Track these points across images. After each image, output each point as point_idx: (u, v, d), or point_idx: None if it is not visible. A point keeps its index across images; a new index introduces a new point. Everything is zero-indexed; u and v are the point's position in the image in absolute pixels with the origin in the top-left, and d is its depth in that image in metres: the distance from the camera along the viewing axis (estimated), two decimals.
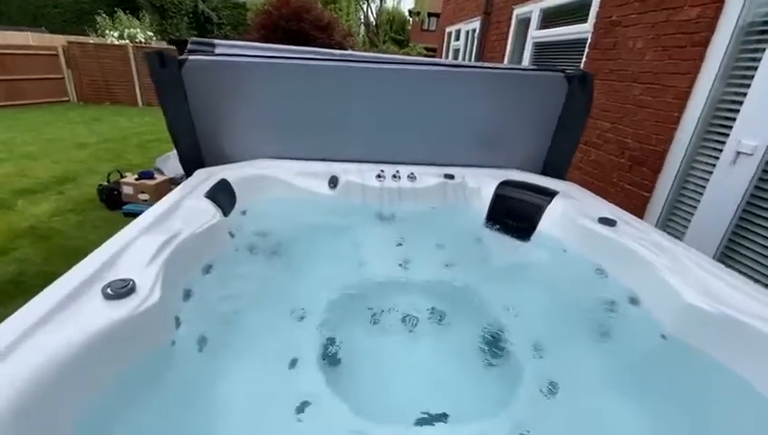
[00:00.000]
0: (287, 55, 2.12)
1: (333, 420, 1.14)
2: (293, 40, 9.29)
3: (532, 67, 2.33)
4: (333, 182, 2.17)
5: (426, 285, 1.80)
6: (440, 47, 8.24)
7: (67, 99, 10.11)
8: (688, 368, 1.19)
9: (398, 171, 2.18)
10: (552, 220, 1.96)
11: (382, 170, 2.17)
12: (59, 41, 10.04)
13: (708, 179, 2.23)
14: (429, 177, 2.22)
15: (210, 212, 1.57)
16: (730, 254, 2.13)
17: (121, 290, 0.99)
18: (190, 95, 2.05)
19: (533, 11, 4.30)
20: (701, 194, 2.28)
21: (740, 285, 1.25)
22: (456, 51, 7.18)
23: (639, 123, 2.70)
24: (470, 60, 6.27)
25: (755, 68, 2.00)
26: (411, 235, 2.07)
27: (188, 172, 2.10)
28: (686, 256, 1.45)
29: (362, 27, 22.28)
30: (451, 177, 2.23)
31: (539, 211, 2.01)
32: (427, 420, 1.19)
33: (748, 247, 2.04)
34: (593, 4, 3.24)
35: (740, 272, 1.42)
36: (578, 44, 3.49)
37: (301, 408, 1.15)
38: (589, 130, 3.04)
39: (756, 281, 1.45)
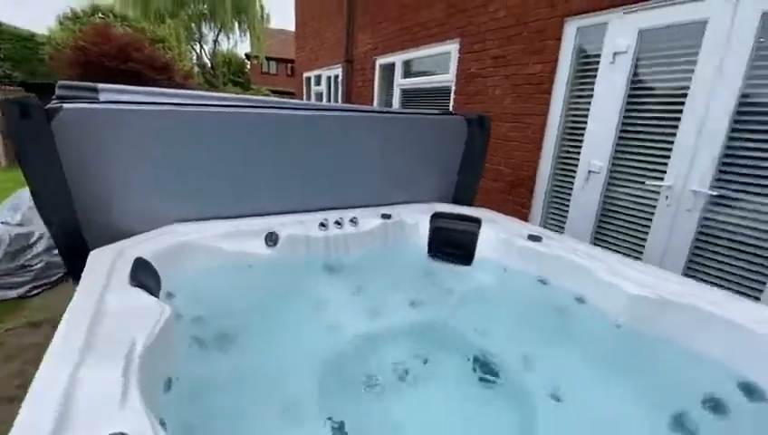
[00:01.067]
0: (193, 102, 1.85)
1: None
2: (126, 81, 8.05)
3: (437, 112, 2.61)
4: (272, 239, 1.95)
5: (398, 329, 1.77)
6: (300, 91, 8.39)
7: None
8: (647, 345, 1.48)
9: (341, 218, 2.10)
10: (487, 244, 2.18)
11: (326, 219, 2.06)
12: None
13: (571, 193, 2.87)
14: (370, 219, 2.21)
15: (156, 307, 1.20)
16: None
17: None
18: (64, 155, 1.57)
19: (396, 61, 4.84)
20: (568, 206, 2.90)
21: (655, 272, 1.64)
22: (320, 94, 7.43)
23: (510, 154, 3.29)
24: (336, 102, 6.57)
25: (588, 106, 2.72)
26: (366, 281, 2.01)
27: (70, 258, 1.58)
28: (603, 255, 1.82)
29: (195, 68, 20.91)
30: (388, 216, 2.27)
31: (473, 237, 2.22)
32: None
33: (609, 242, 2.69)
34: (452, 58, 3.87)
35: None
36: (444, 91, 4.09)
37: None
38: None
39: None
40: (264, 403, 1.28)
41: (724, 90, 2.05)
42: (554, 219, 3.07)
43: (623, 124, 2.54)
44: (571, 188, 2.87)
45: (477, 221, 2.28)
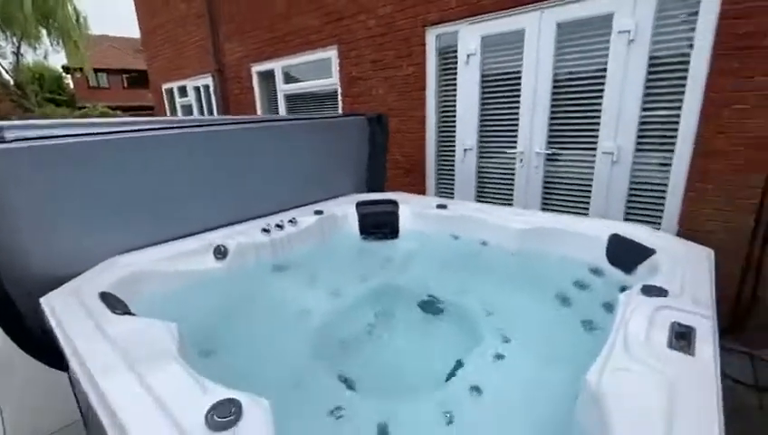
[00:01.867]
0: (109, 130, 1.81)
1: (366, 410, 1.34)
2: None
3: (341, 114, 2.94)
4: (221, 252, 2.04)
5: (357, 299, 2.09)
6: (160, 104, 7.65)
7: None
8: (533, 260, 2.11)
9: (281, 220, 2.29)
10: (406, 218, 2.64)
11: (268, 223, 2.22)
12: None
13: (454, 169, 3.54)
14: (306, 217, 2.44)
15: (160, 323, 1.27)
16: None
17: None
18: None
19: (275, 68, 4.95)
20: (453, 179, 3.57)
21: (523, 211, 2.31)
22: (188, 107, 6.94)
23: (402, 145, 3.83)
24: (211, 114, 6.28)
25: (455, 97, 3.39)
26: (316, 270, 2.26)
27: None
28: (491, 208, 2.44)
29: None
30: (320, 212, 2.53)
31: (395, 216, 2.65)
32: (452, 373, 1.57)
33: (488, 200, 3.44)
34: (333, 63, 4.22)
35: None
36: (331, 94, 4.41)
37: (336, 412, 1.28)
38: None
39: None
40: (278, 383, 1.46)
41: (543, 74, 2.88)
42: (445, 191, 3.72)
43: (482, 109, 3.28)
44: (453, 165, 3.54)
45: (394, 202, 2.71)
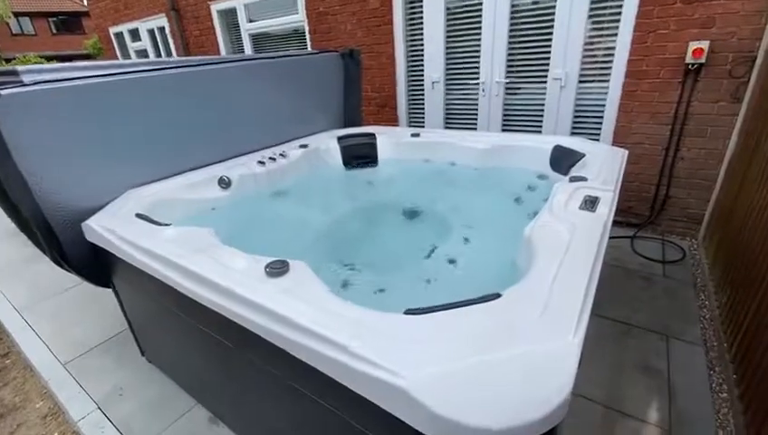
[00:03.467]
0: (115, 72, 1.97)
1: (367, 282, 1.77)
2: None
3: (314, 51, 3.07)
4: (225, 183, 2.31)
5: (347, 214, 2.48)
6: (110, 50, 7.19)
7: None
8: (493, 173, 2.53)
9: (273, 153, 2.55)
10: (383, 147, 2.96)
11: (262, 156, 2.49)
12: None
13: (424, 101, 3.82)
14: (293, 151, 2.71)
15: (201, 230, 1.59)
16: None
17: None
18: (11, 143, 1.64)
19: (237, 6, 4.81)
20: (423, 111, 3.86)
21: (489, 134, 2.69)
22: (143, 51, 6.60)
23: (373, 80, 4.01)
24: (170, 57, 6.05)
25: (421, 32, 3.58)
26: (308, 195, 2.60)
27: (47, 244, 1.75)
28: (462, 134, 2.80)
29: None
30: (306, 146, 2.80)
31: (373, 146, 2.96)
32: (428, 254, 2.01)
33: (456, 127, 3.78)
34: None
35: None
36: (298, 32, 4.42)
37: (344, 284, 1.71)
38: None
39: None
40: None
41: (502, 4, 3.12)
42: (416, 123, 4.02)
43: (447, 42, 3.50)
44: (423, 97, 3.81)
45: (372, 135, 3.00)
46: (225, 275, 1.18)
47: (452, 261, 1.82)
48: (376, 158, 2.95)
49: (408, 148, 2.89)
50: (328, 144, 2.94)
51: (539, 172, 2.37)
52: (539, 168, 2.37)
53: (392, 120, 4.07)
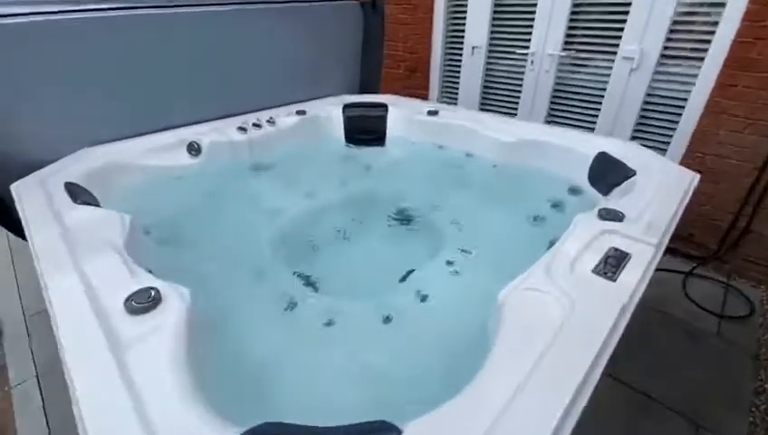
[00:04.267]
0: (74, 8, 1.67)
1: (360, 310, 1.42)
2: None
3: None
4: (195, 149, 2.02)
5: (333, 203, 2.11)
6: None
7: None
8: (514, 175, 2.03)
9: (258, 119, 2.21)
10: (395, 124, 2.51)
11: (244, 122, 2.15)
12: None
13: (460, 70, 3.23)
14: (286, 117, 2.34)
15: (114, 214, 1.33)
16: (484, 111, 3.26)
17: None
18: None
19: None
20: (458, 81, 3.28)
21: (521, 123, 2.14)
22: None
23: (405, 38, 3.45)
24: None
25: None
26: (295, 172, 2.25)
27: None
28: (487, 119, 2.27)
29: None
30: (303, 112, 2.42)
31: (383, 120, 2.52)
32: (405, 276, 1.63)
33: (493, 107, 3.19)
34: None
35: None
36: None
37: (328, 323, 1.38)
38: None
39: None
40: (235, 271, 1.56)
41: None
42: (449, 95, 3.46)
43: (495, 3, 2.84)
44: (460, 65, 3.22)
45: (384, 106, 2.55)
46: (70, 306, 0.89)
47: (425, 298, 1.43)
48: (384, 135, 2.52)
49: (422, 128, 2.41)
50: (330, 112, 2.53)
51: (572, 184, 1.84)
52: (573, 177, 1.84)
53: (422, 88, 3.53)
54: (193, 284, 1.11)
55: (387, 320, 1.35)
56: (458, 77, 3.28)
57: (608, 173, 1.66)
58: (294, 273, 1.63)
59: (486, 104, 3.22)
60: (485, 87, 3.16)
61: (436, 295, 1.44)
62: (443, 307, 1.43)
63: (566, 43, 2.62)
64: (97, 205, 1.53)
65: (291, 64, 2.50)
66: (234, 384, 1.03)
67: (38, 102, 1.68)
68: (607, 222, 1.18)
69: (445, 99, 3.49)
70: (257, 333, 1.30)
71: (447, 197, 2.08)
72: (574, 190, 1.81)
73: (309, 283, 1.61)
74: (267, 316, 1.40)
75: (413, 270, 1.63)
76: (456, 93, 3.35)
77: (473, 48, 3.06)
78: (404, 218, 2.04)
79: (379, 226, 2.02)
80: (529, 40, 2.76)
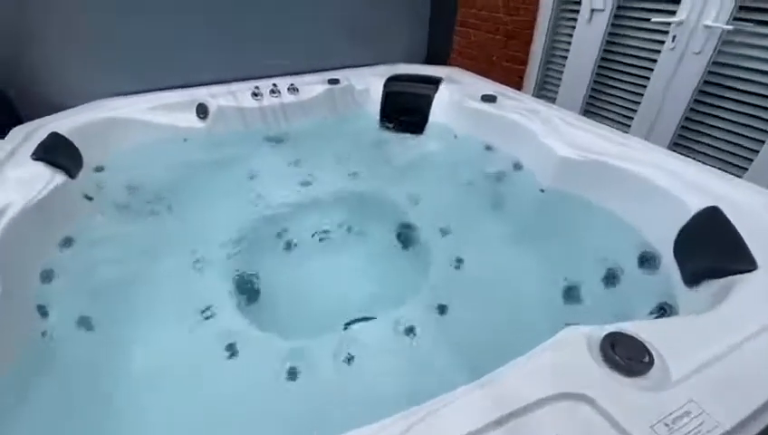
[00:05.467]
0: None
1: (266, 349, 1.12)
2: None
3: None
4: (203, 111, 1.88)
5: (331, 199, 1.76)
6: None
7: None
8: (565, 209, 1.36)
9: (275, 85, 1.95)
10: (440, 108, 1.97)
11: (257, 87, 1.92)
12: None
13: (570, 42, 2.38)
14: (313, 86, 2.03)
15: (45, 177, 1.26)
16: (592, 108, 2.40)
17: None
18: None
19: None
20: (566, 58, 2.45)
21: (603, 134, 1.41)
22: None
23: None
24: None
25: None
26: (307, 152, 1.95)
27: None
28: (557, 117, 1.57)
29: None
30: (336, 81, 2.07)
31: (428, 101, 2.00)
32: (356, 320, 1.24)
33: (606, 96, 2.31)
34: None
35: (601, 122, 1.60)
36: None
37: (229, 350, 1.11)
38: (465, 12, 2.97)
39: (615, 127, 1.65)
40: (173, 257, 1.39)
41: None
42: (551, 72, 2.64)
43: None
44: (572, 34, 2.37)
45: (434, 82, 2.02)
46: None
47: (350, 360, 1.04)
48: (425, 120, 2.01)
49: (471, 118, 1.83)
50: (370, 84, 2.12)
51: (646, 246, 1.12)
52: (652, 235, 1.12)
53: (518, 62, 2.78)
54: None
55: (348, 361, 1.02)
56: (567, 50, 2.44)
57: (709, 249, 0.93)
58: (235, 271, 1.38)
59: (596, 95, 2.34)
60: (600, 69, 2.28)
61: (366, 363, 1.04)
62: (367, 381, 1.02)
63: (742, 8, 1.62)
64: (69, 159, 1.50)
65: (342, 20, 2.13)
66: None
67: (64, 49, 1.71)
68: (615, 373, 0.60)
69: (546, 77, 2.69)
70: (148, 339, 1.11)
71: (468, 222, 1.54)
72: (646, 259, 1.10)
73: (243, 290, 1.35)
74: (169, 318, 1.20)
75: (369, 318, 1.23)
76: (561, 73, 2.52)
77: (591, 11, 2.19)
78: (404, 238, 1.59)
79: (370, 240, 1.62)
80: (678, 2, 1.81)
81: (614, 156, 1.27)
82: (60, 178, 1.30)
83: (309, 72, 2.15)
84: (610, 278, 1.13)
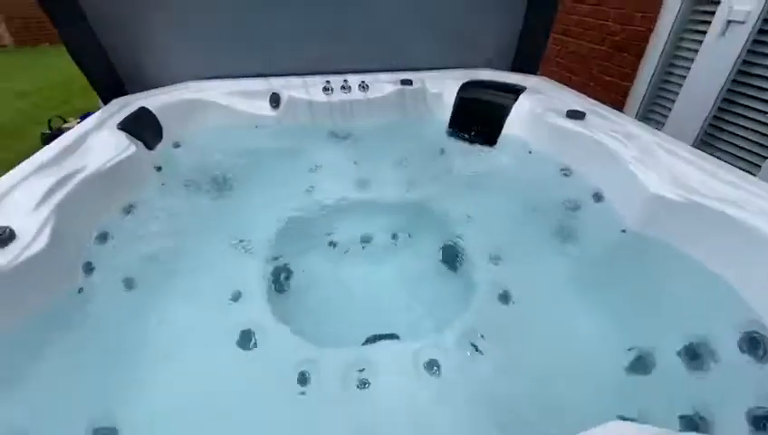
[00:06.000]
0: None
1: (281, 347, 1.08)
2: None
3: None
4: (275, 101, 1.93)
5: (384, 204, 1.68)
6: None
7: (4, 45, 9.02)
8: (649, 260, 1.11)
9: (345, 81, 1.93)
10: (518, 120, 1.78)
11: (328, 81, 1.92)
12: None
13: (693, 59, 2.00)
14: (384, 84, 1.97)
15: (122, 145, 1.37)
16: (711, 139, 2.00)
17: None
18: (87, 8, 1.71)
19: None
20: (684, 77, 2.06)
21: (717, 172, 1.13)
22: None
23: (623, 1, 2.37)
24: None
25: None
26: (368, 152, 1.90)
27: (106, 102, 1.84)
28: (657, 144, 1.30)
29: None
30: (409, 82, 1.99)
31: (504, 112, 1.82)
32: (378, 338, 1.15)
33: (731, 131, 1.90)
34: None
35: (721, 158, 1.29)
36: None
37: (245, 338, 1.10)
38: (566, 18, 2.69)
39: (738, 166, 1.32)
40: (220, 236, 1.42)
41: None
42: (662, 96, 2.26)
43: None
44: (696, 49, 1.99)
45: (515, 91, 1.83)
46: None
47: (364, 384, 0.95)
48: (497, 131, 1.83)
49: (551, 135, 1.62)
50: (443, 88, 2.00)
51: (756, 328, 0.85)
52: (758, 315, 0.84)
53: (625, 78, 2.44)
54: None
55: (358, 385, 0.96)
56: (688, 68, 2.06)
57: None
58: (271, 268, 1.37)
59: (719, 125, 1.93)
60: (729, 94, 1.87)
61: (375, 393, 0.94)
62: (370, 412, 0.93)
63: None
64: (152, 133, 1.63)
65: (426, 19, 2.04)
66: None
67: (168, 37, 1.88)
68: None
69: (656, 98, 2.31)
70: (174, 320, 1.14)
71: (526, 252, 1.36)
72: (752, 342, 0.83)
73: (279, 288, 1.33)
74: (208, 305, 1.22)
75: (393, 336, 1.13)
76: (675, 94, 2.14)
77: (728, 23, 1.81)
78: (450, 258, 1.45)
79: (414, 253, 1.50)
80: None
81: (729, 202, 0.99)
82: (135, 148, 1.40)
83: (384, 70, 2.09)
84: (695, 356, 0.89)
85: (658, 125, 2.17)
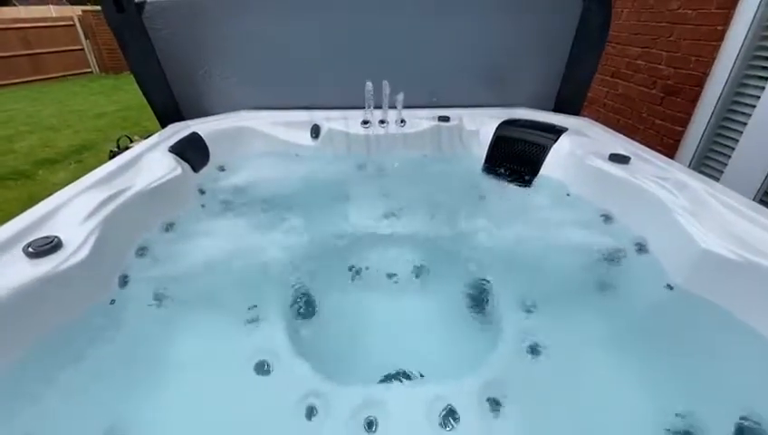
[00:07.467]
0: None
1: (292, 378, 1.06)
2: None
3: None
4: (315, 132, 2.02)
5: (411, 239, 1.66)
6: None
7: (90, 70, 10.27)
8: (696, 321, 1.00)
9: (385, 117, 1.97)
10: (557, 161, 1.73)
11: (368, 116, 1.98)
12: (76, 11, 10.03)
13: (756, 105, 1.87)
14: (421, 120, 2.00)
15: (170, 166, 1.47)
16: None
17: (43, 247, 0.92)
18: (156, 43, 1.91)
19: None
20: (745, 124, 1.92)
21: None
22: None
23: (676, 44, 2.29)
24: None
25: None
26: (400, 186, 1.90)
27: (164, 126, 2.01)
28: (711, 195, 1.21)
29: None
30: (446, 119, 2.01)
31: (543, 152, 1.77)
32: (392, 378, 1.10)
33: None
34: None
35: None
36: None
37: (259, 366, 1.09)
38: (616, 60, 2.64)
39: None
40: (249, 258, 1.45)
41: None
42: (719, 143, 2.11)
43: None
44: (758, 96, 1.86)
45: (556, 132, 1.79)
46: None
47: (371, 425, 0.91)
48: (535, 172, 1.78)
49: (592, 178, 1.55)
50: (480, 126, 1.99)
51: None
52: None
53: (676, 123, 2.31)
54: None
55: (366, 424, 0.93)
56: (749, 115, 1.92)
57: None
58: (290, 293, 1.38)
59: None
60: None
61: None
62: None
63: None
64: (200, 157, 1.75)
65: (468, 59, 2.07)
66: None
67: (219, 68, 2.04)
68: None
69: (713, 144, 2.17)
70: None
71: (560, 303, 1.26)
72: None
73: (301, 314, 1.33)
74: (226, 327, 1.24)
75: (408, 376, 1.09)
76: (735, 141, 1.99)
77: None
78: (476, 301, 1.38)
79: (439, 293, 1.45)
80: None
81: None
82: (181, 170, 1.50)
83: (424, 106, 2.13)
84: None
85: (714, 176, 2.02)
